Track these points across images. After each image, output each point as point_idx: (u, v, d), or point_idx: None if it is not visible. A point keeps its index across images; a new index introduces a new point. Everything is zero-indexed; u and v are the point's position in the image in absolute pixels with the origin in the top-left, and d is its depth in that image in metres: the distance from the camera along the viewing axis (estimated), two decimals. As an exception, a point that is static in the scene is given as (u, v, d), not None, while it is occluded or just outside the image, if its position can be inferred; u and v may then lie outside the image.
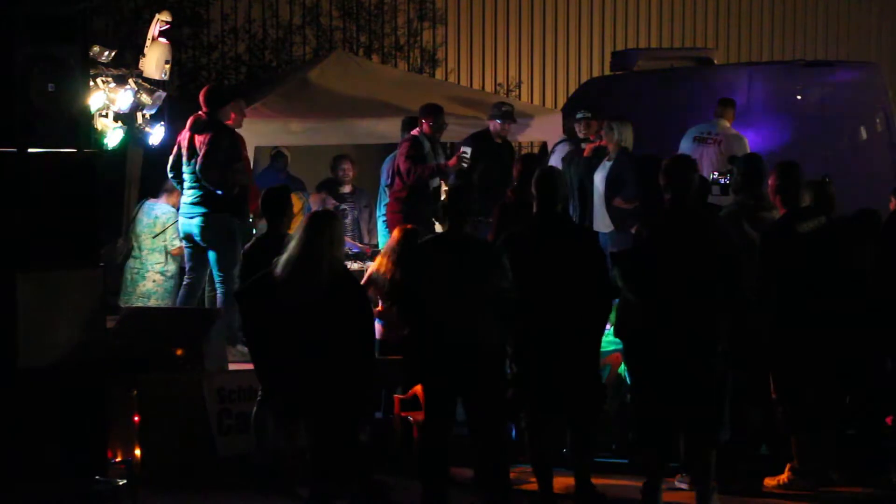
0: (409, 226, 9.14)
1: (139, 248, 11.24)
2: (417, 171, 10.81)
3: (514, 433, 8.02)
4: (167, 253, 11.24)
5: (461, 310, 6.96)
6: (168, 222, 11.17)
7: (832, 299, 7.57)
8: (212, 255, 10.29)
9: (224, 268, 10.15)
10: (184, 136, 10.34)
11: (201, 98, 10.35)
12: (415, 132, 11.05)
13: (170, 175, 10.53)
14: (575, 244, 7.38)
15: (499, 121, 11.31)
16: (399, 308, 7.37)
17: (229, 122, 10.45)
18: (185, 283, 10.57)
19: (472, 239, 7.24)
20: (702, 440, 7.21)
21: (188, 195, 10.34)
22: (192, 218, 10.28)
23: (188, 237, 10.41)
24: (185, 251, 10.56)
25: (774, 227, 7.75)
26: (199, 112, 10.31)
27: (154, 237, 11.22)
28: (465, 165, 10.73)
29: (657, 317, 7.13)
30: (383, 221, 11.33)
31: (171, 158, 10.43)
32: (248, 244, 8.32)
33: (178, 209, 10.98)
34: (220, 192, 10.13)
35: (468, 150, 10.90)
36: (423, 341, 7.12)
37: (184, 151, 10.30)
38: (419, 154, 10.88)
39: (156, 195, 11.43)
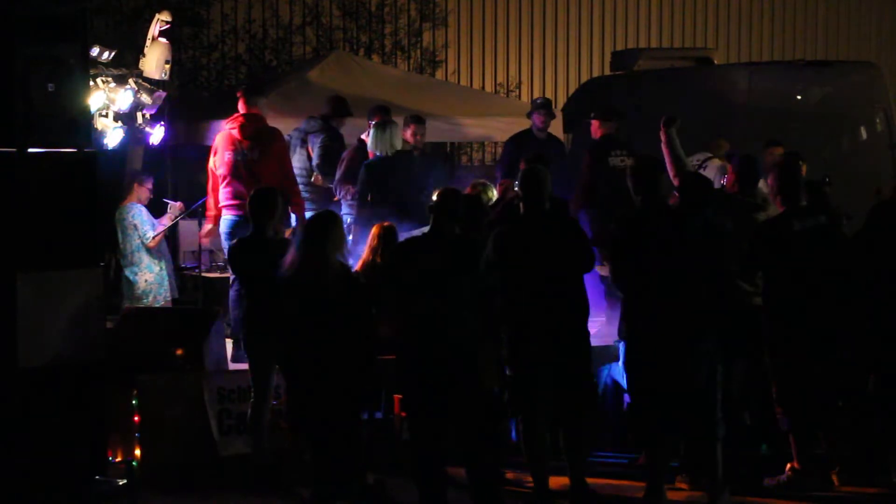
0: (385, 223, 9.07)
1: (124, 256, 11.19)
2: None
3: (513, 433, 8.02)
4: (148, 249, 11.18)
5: (443, 307, 6.93)
6: (135, 218, 11.12)
7: (830, 299, 7.57)
8: None
9: None
10: (226, 138, 10.04)
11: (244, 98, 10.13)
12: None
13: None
14: (564, 240, 7.40)
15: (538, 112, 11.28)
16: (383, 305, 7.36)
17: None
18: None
19: (454, 237, 7.20)
20: (703, 438, 7.21)
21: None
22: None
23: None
24: None
25: (769, 224, 7.76)
26: (243, 113, 10.05)
27: (130, 240, 11.16)
28: None
29: (645, 316, 7.16)
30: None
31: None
32: (232, 243, 8.21)
33: (146, 204, 11.03)
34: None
35: None
36: (405, 339, 7.06)
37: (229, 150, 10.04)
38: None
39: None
